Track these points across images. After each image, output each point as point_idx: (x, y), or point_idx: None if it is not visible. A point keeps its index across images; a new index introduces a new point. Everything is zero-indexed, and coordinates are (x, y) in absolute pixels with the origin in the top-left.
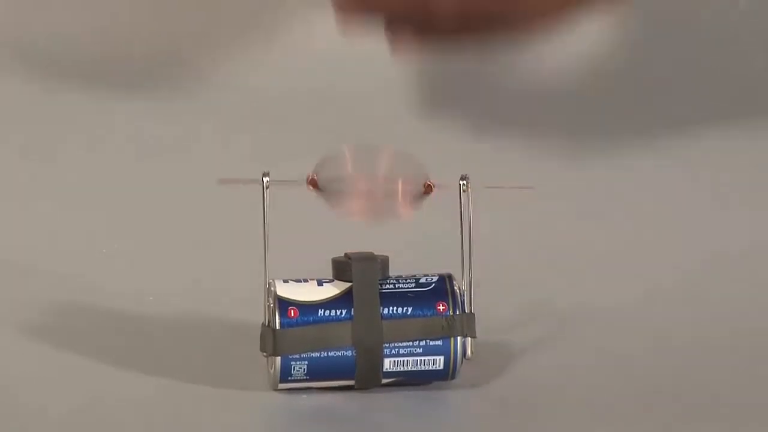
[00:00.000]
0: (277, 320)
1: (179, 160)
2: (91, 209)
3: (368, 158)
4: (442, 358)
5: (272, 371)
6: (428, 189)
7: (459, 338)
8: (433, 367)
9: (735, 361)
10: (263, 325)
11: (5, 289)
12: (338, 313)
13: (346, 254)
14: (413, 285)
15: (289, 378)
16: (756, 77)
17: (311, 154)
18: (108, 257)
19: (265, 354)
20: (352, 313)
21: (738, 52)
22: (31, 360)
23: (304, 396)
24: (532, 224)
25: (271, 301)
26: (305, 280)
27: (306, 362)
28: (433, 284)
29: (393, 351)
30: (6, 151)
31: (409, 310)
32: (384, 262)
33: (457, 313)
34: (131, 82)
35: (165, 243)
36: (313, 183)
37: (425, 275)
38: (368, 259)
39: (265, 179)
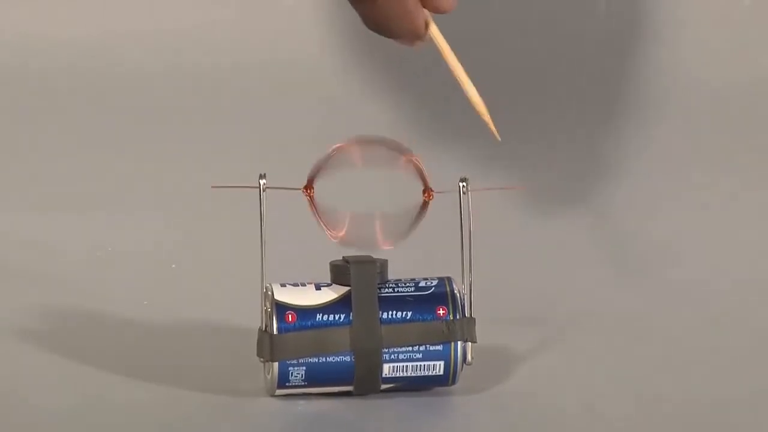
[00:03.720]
0: (275, 325)
1: (176, 163)
2: (86, 213)
3: (366, 164)
4: (442, 363)
5: (269, 377)
6: (428, 196)
7: (459, 343)
8: (433, 373)
9: (738, 369)
10: (260, 329)
11: (1, 292)
12: (337, 317)
13: (344, 258)
14: (413, 289)
15: (287, 384)
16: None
17: None
18: (103, 261)
19: (262, 359)
20: (351, 317)
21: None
22: (25, 364)
23: (302, 402)
24: (532, 227)
25: (269, 305)
26: (303, 284)
27: (304, 368)
28: (433, 288)
29: (392, 356)
30: (2, 155)
31: (409, 314)
32: (383, 265)
33: (458, 317)
34: (128, 85)
35: (161, 247)
36: (310, 191)
37: (425, 279)
38: (367, 262)
39: (262, 182)
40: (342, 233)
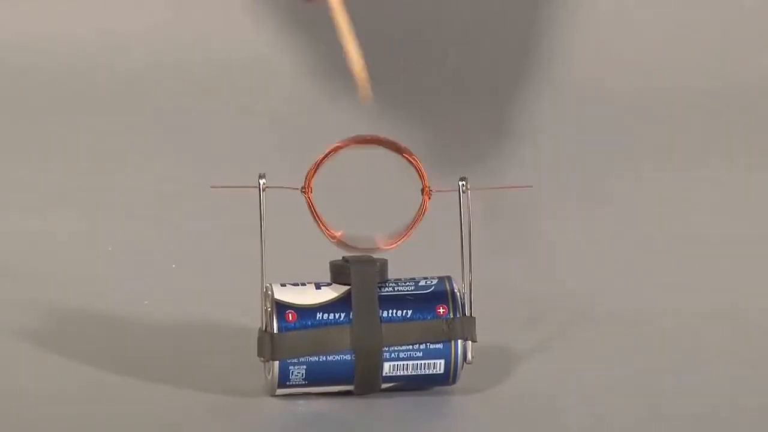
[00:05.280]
0: (275, 324)
1: (177, 163)
2: (86, 213)
3: (364, 162)
4: (442, 361)
5: (270, 376)
6: (427, 195)
7: (459, 342)
8: (434, 371)
9: (739, 368)
10: (260, 329)
11: (1, 292)
12: (337, 316)
13: (344, 257)
14: (413, 288)
15: (287, 383)
16: None
17: None
18: (103, 261)
19: (262, 359)
20: (351, 316)
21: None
22: (25, 364)
23: (302, 402)
24: (533, 227)
25: (269, 304)
26: (303, 284)
27: (304, 367)
28: (433, 287)
29: (393, 355)
30: (2, 155)
31: (409, 313)
32: (383, 264)
33: (458, 316)
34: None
35: (161, 247)
36: (308, 191)
37: (425, 278)
38: (367, 261)
39: (262, 182)
40: (340, 234)
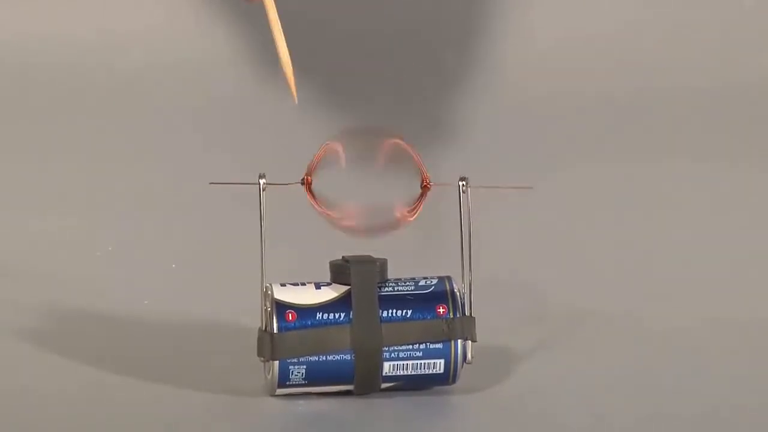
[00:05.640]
0: (275, 324)
1: (176, 162)
2: (86, 213)
3: (360, 154)
4: (442, 361)
5: (270, 376)
6: (426, 187)
7: (459, 341)
8: (434, 371)
9: (739, 368)
10: (260, 329)
11: (1, 292)
12: (337, 316)
13: (344, 257)
14: (412, 287)
15: (287, 383)
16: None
17: None
18: (103, 261)
19: (262, 359)
20: (351, 316)
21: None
22: (25, 364)
23: (302, 402)
24: (533, 226)
25: (269, 304)
26: (303, 284)
27: (304, 366)
28: (433, 287)
29: (393, 354)
30: (2, 155)
31: (409, 313)
32: (383, 264)
33: (457, 315)
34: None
35: (161, 247)
36: (308, 186)
37: (424, 278)
38: (367, 261)
39: (262, 181)
40: (345, 219)
